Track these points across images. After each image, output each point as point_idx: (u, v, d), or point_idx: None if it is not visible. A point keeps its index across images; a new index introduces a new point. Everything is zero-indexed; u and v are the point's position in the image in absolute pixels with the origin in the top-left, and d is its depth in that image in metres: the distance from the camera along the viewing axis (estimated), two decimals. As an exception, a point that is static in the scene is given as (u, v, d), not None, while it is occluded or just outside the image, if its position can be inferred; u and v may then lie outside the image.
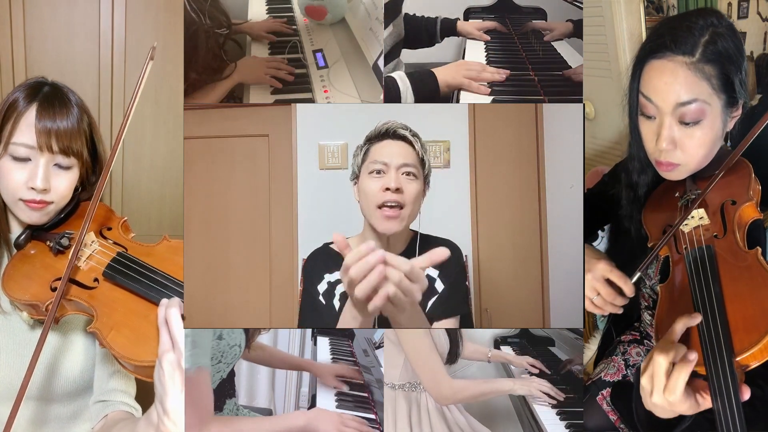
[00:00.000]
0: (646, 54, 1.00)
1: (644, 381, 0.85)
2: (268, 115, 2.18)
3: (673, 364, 0.83)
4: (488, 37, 1.64)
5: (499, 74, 1.42)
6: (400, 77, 1.39)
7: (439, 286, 1.27)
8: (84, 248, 1.02)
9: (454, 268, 1.29)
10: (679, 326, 0.86)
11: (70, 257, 0.97)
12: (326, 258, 1.29)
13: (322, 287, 1.26)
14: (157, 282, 0.95)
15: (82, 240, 0.98)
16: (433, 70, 1.43)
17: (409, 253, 1.27)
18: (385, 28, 1.45)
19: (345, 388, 1.55)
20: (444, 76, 1.41)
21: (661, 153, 1.00)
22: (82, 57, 2.00)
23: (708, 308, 0.87)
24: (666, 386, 0.82)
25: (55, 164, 1.02)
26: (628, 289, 1.05)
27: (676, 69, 0.96)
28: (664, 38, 0.98)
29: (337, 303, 1.24)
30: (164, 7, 2.00)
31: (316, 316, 1.25)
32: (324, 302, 1.24)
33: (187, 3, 1.33)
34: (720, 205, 0.97)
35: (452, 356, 1.46)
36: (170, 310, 0.85)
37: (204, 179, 2.19)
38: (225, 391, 1.26)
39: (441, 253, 0.83)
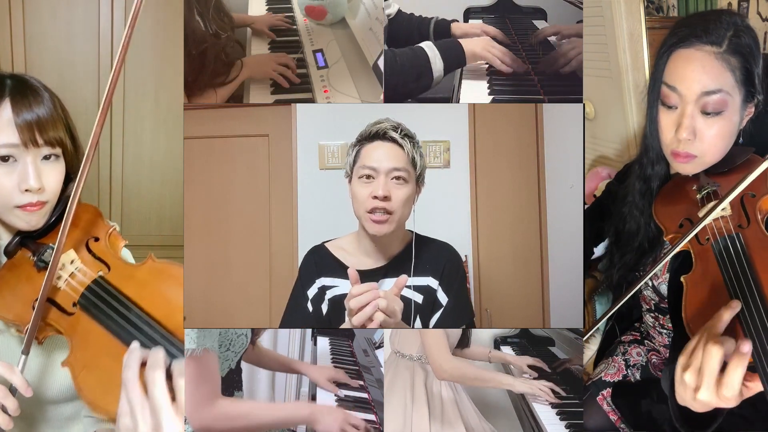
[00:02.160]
0: (673, 43, 1.02)
1: (689, 377, 0.81)
2: (268, 115, 2.18)
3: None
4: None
5: (519, 65, 1.43)
6: (428, 46, 1.38)
7: (442, 297, 1.25)
8: (65, 266, 0.94)
9: (454, 275, 1.27)
10: (726, 316, 0.83)
11: (45, 279, 0.88)
12: (320, 260, 1.28)
13: (312, 291, 1.26)
14: (131, 322, 0.85)
15: (58, 262, 0.89)
16: (459, 40, 1.44)
17: (405, 255, 1.26)
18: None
19: (339, 393, 1.56)
20: (471, 46, 1.42)
21: (680, 143, 1.01)
22: (82, 57, 2.01)
23: (747, 294, 0.86)
24: (722, 382, 0.78)
25: (43, 158, 0.94)
26: None
27: (704, 58, 0.98)
28: (694, 28, 1.00)
29: (325, 307, 1.24)
30: (164, 7, 2.00)
31: (300, 320, 1.26)
32: (312, 308, 1.24)
33: (187, 6, 1.33)
34: (740, 198, 0.98)
35: (463, 339, 1.55)
36: (154, 373, 0.71)
37: (204, 179, 2.19)
38: (233, 382, 1.27)
39: (402, 281, 1.05)
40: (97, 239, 0.98)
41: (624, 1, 1.59)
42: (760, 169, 0.92)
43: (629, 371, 1.24)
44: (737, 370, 0.78)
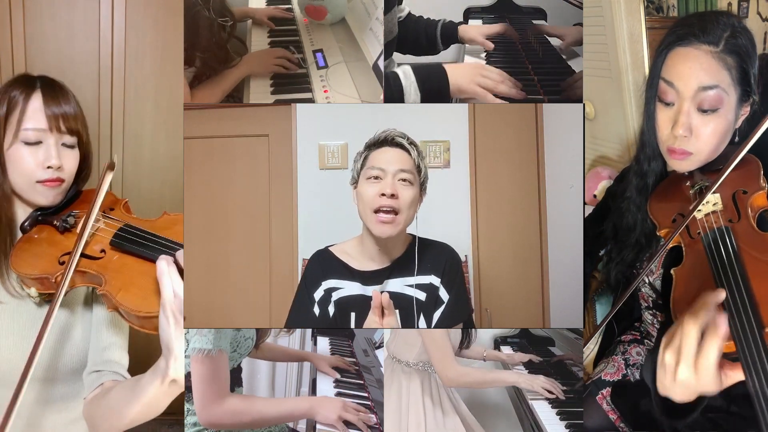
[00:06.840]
0: (672, 41, 1.04)
1: (669, 356, 0.82)
2: (268, 115, 2.18)
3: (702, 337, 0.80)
4: (492, 45, 1.56)
5: (517, 92, 1.35)
6: (404, 72, 1.33)
7: (444, 294, 1.28)
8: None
9: (455, 273, 1.31)
10: (710, 300, 0.83)
11: (79, 230, 1.04)
12: (325, 263, 1.31)
13: (318, 294, 1.28)
14: (160, 244, 1.02)
15: (93, 214, 1.04)
16: (445, 66, 1.33)
17: (407, 257, 1.29)
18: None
19: (337, 375, 1.73)
20: (457, 78, 1.32)
21: (676, 140, 1.04)
22: (82, 57, 2.00)
23: (733, 284, 0.86)
24: (699, 355, 0.79)
25: (62, 144, 1.10)
26: None
27: (701, 56, 1.01)
28: (692, 27, 1.03)
29: (332, 309, 1.27)
30: (164, 6, 2.00)
31: (304, 323, 1.32)
32: (318, 311, 1.28)
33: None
34: (731, 194, 1.00)
35: (466, 341, 1.55)
36: (162, 262, 0.91)
37: (204, 179, 2.19)
38: (234, 379, 1.37)
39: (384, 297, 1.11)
40: (112, 209, 1.15)
41: (624, 1, 1.59)
42: (740, 155, 0.95)
43: (629, 371, 1.24)
44: (713, 343, 0.79)
